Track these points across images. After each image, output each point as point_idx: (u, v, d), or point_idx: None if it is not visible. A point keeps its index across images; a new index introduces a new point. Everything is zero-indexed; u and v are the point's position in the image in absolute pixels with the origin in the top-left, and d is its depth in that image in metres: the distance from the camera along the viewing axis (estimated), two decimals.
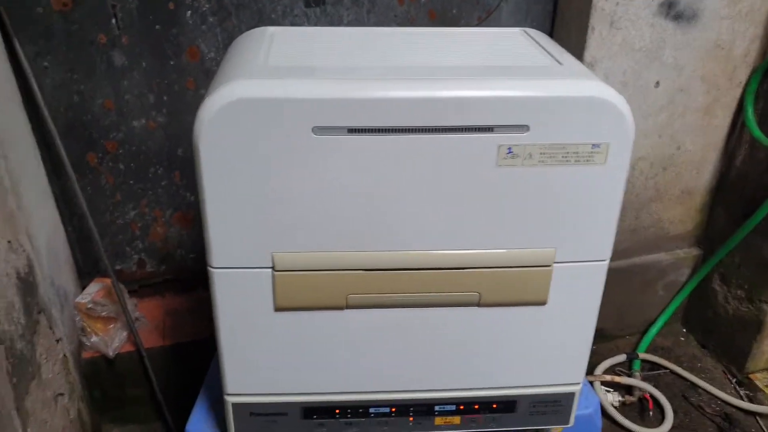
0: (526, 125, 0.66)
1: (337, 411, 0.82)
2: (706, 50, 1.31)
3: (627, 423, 1.38)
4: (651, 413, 1.43)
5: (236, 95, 0.63)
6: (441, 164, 0.68)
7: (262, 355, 0.77)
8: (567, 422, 0.85)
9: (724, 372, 1.57)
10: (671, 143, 1.39)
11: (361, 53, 0.76)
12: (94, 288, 1.26)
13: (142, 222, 1.30)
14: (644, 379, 1.51)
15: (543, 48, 0.78)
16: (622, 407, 1.43)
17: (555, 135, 0.67)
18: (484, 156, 0.67)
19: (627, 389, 1.48)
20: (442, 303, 0.75)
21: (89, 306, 1.20)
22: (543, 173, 0.69)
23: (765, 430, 1.41)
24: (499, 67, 0.71)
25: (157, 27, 1.11)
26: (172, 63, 1.15)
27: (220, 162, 0.66)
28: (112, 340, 1.22)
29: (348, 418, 0.82)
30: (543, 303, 0.76)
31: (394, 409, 0.82)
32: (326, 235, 0.71)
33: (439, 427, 0.84)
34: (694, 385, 1.52)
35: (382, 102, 0.64)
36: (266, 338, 0.76)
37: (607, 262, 0.76)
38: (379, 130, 0.65)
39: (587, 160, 0.69)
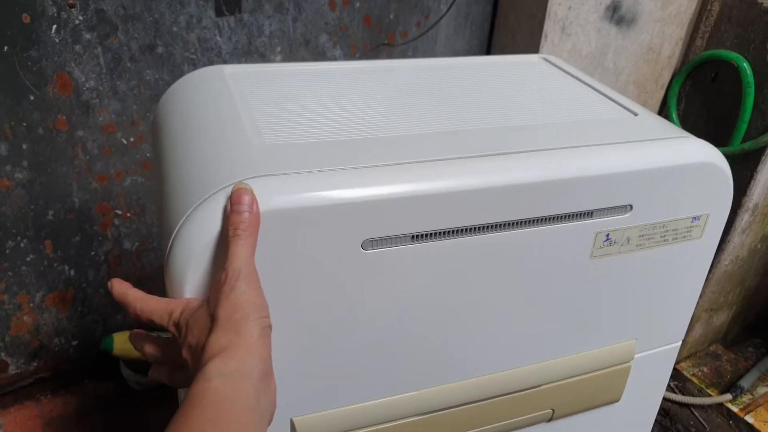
0: (629, 205, 0.50)
1: None
2: (641, 54, 1.26)
3: None
4: None
5: (270, 205, 0.39)
6: (525, 265, 0.50)
7: None
8: None
9: None
10: None
11: (374, 109, 0.54)
12: None
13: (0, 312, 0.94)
14: None
15: (595, 89, 0.63)
16: None
17: (657, 212, 0.52)
18: (578, 248, 0.51)
19: None
20: (509, 429, 0.58)
21: None
22: (635, 259, 0.54)
23: (701, 420, 1.45)
24: (573, 126, 0.54)
25: (5, 49, 0.77)
26: (32, 98, 0.82)
27: None
28: None
29: None
30: (617, 401, 0.62)
31: None
32: (367, 380, 0.49)
33: None
34: None
35: (459, 194, 0.44)
36: None
37: (681, 342, 0.63)
38: (451, 232, 0.45)
39: (684, 237, 0.55)
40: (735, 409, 1.43)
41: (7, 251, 0.90)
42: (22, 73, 0.79)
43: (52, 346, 1.03)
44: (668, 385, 1.53)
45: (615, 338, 0.58)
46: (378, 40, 1.05)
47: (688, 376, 1.54)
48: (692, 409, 1.47)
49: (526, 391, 0.56)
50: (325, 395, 0.48)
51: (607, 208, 0.50)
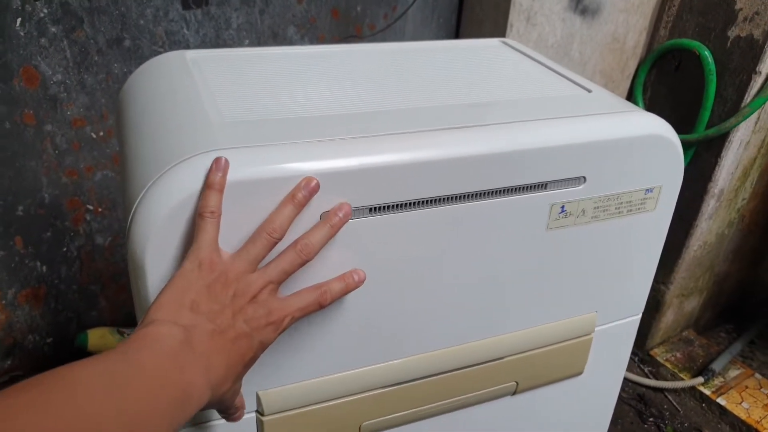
0: (583, 177, 0.52)
1: None
2: (606, 44, 1.29)
3: None
4: None
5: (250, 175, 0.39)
6: (482, 236, 0.51)
7: None
8: None
9: None
10: None
11: (332, 89, 0.55)
12: None
13: None
14: None
15: (550, 68, 0.64)
16: None
17: (611, 184, 0.54)
18: (534, 220, 0.52)
19: None
20: (473, 402, 0.59)
21: None
22: (592, 230, 0.56)
23: (674, 404, 1.48)
24: (529, 102, 0.55)
25: None
26: None
27: None
28: None
29: None
30: (579, 374, 0.64)
31: None
32: (330, 354, 0.50)
33: None
34: None
35: (416, 167, 0.45)
36: None
37: (640, 315, 0.65)
38: (409, 204, 0.47)
39: (638, 209, 0.57)
40: (707, 391, 1.46)
41: None
42: None
43: (26, 344, 1.02)
44: (642, 370, 1.56)
45: (576, 310, 0.60)
46: (346, 32, 1.06)
47: (662, 361, 1.57)
48: (666, 393, 1.50)
49: (489, 363, 0.57)
50: (289, 369, 0.49)
51: (561, 180, 0.51)
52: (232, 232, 0.41)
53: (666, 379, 1.54)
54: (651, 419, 1.43)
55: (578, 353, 0.62)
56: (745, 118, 1.22)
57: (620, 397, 1.48)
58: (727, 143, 1.28)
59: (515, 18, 1.10)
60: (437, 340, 0.54)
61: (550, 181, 0.51)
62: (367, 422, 0.54)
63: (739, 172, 1.37)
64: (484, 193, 0.49)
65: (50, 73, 0.84)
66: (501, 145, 0.48)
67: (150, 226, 0.39)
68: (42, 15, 0.80)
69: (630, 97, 1.42)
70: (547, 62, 0.66)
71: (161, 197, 0.40)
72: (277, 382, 0.49)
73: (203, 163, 0.40)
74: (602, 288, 0.60)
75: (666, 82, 1.35)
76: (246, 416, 0.49)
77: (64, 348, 1.05)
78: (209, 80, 0.53)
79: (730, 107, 1.25)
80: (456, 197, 0.48)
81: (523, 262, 0.54)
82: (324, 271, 0.45)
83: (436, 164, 0.46)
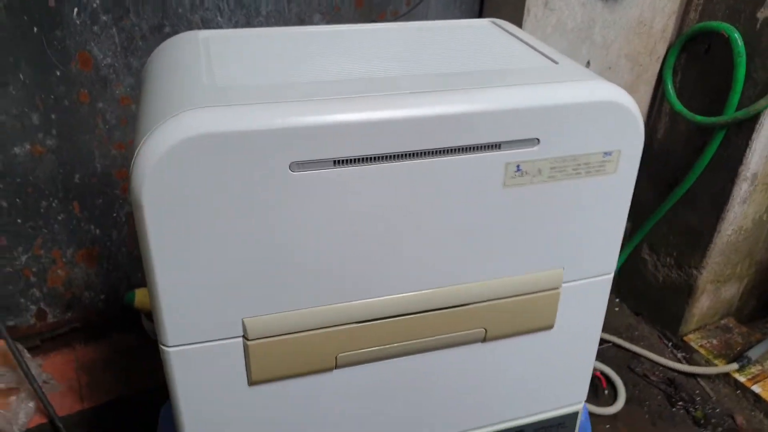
0: (536, 138, 0.57)
1: None
2: (631, 27, 1.30)
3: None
4: (606, 391, 1.44)
5: (194, 131, 0.48)
6: (441, 191, 0.57)
7: None
8: None
9: (660, 337, 1.62)
10: None
11: (323, 62, 0.63)
12: None
13: (38, 266, 1.08)
14: None
15: (527, 44, 0.70)
16: None
17: (566, 146, 0.59)
18: (490, 177, 0.58)
19: None
20: (444, 345, 0.66)
21: None
22: (552, 189, 0.61)
23: (707, 389, 1.47)
24: (494, 72, 0.61)
25: (35, 30, 0.90)
26: (58, 73, 0.94)
27: (170, 217, 0.51)
28: (16, 416, 1.00)
29: None
30: (550, 327, 0.69)
31: None
32: (308, 289, 0.58)
33: None
34: (636, 355, 1.55)
35: (376, 125, 0.52)
36: (241, 418, 0.62)
37: (612, 275, 0.70)
38: (370, 158, 0.54)
39: (598, 171, 0.61)
40: (742, 379, 1.44)
41: (42, 210, 1.04)
42: (49, 52, 0.92)
43: (83, 299, 1.16)
44: (675, 355, 1.56)
45: (541, 265, 0.65)
46: (369, 18, 1.14)
47: (696, 347, 1.56)
48: (698, 379, 1.49)
49: (457, 308, 0.64)
50: (273, 300, 0.57)
51: (514, 141, 0.57)
52: (207, 185, 0.50)
53: (699, 365, 1.52)
54: (680, 403, 1.43)
55: (546, 306, 0.67)
56: None
57: (649, 380, 1.48)
58: (757, 126, 1.27)
59: (533, 3, 1.14)
60: (407, 284, 0.61)
61: (504, 142, 0.57)
62: (342, 354, 0.62)
63: None
64: (441, 151, 0.55)
65: (101, 56, 0.96)
66: (456, 107, 0.54)
67: (144, 171, 0.48)
68: (95, 5, 0.92)
69: (659, 80, 1.42)
70: (529, 39, 0.71)
71: (153, 147, 0.48)
72: (261, 311, 0.58)
73: (188, 118, 0.49)
74: (568, 245, 0.65)
75: (696, 65, 1.35)
76: (233, 341, 0.58)
77: (116, 304, 1.19)
78: (212, 53, 0.62)
79: (761, 89, 1.23)
80: (415, 154, 0.55)
81: (485, 216, 0.60)
82: (299, 217, 0.53)
83: (396, 123, 0.53)
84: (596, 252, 0.67)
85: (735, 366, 1.46)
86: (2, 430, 0.99)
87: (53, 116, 0.97)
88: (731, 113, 1.27)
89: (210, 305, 0.56)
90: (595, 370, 1.45)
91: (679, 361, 1.54)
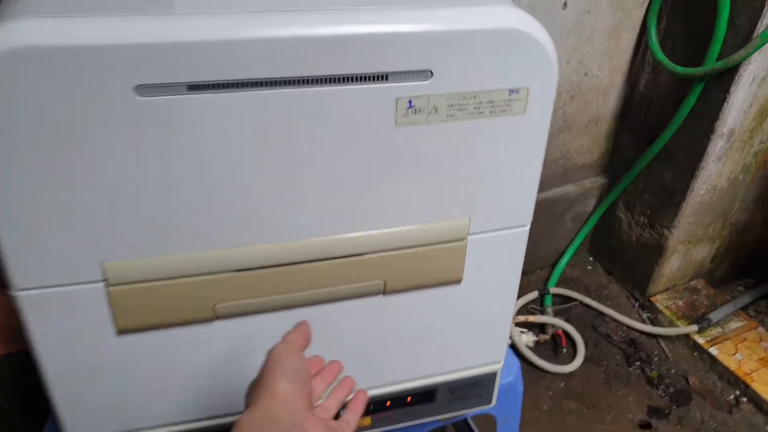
0: (428, 70, 0.51)
1: None
2: None
3: (541, 363, 1.35)
4: (564, 350, 1.41)
5: (22, 41, 0.42)
6: (325, 127, 0.51)
7: (107, 390, 0.59)
8: (489, 402, 0.76)
9: (628, 297, 1.58)
10: (579, 69, 1.30)
11: None
12: None
13: None
14: (556, 314, 1.48)
15: None
16: (537, 346, 1.40)
17: (464, 81, 0.52)
18: (380, 113, 0.52)
19: (541, 327, 1.44)
20: (339, 297, 0.61)
21: None
22: (452, 130, 0.55)
23: (666, 350, 1.44)
24: None
25: None
26: None
27: (5, 143, 0.46)
28: None
29: None
30: (458, 281, 0.64)
31: None
32: (175, 231, 0.53)
33: None
34: (602, 314, 1.52)
35: (238, 45, 0.46)
36: (110, 370, 0.58)
37: (528, 228, 0.64)
38: (233, 84, 0.48)
39: (504, 110, 0.55)
40: (701, 340, 1.41)
41: None
42: None
43: None
44: (640, 315, 1.52)
45: (444, 214, 0.59)
46: None
47: (661, 308, 1.52)
48: (659, 340, 1.46)
49: (350, 258, 0.59)
50: (134, 243, 0.53)
51: (404, 72, 0.50)
52: (38, 105, 0.44)
53: (662, 326, 1.49)
54: (637, 363, 1.40)
55: (451, 259, 0.62)
56: (755, 50, 1.12)
57: (611, 340, 1.45)
58: (736, 78, 1.18)
59: None
60: (292, 229, 0.56)
61: (391, 72, 0.50)
62: (221, 304, 0.57)
63: (753, 111, 1.27)
64: (319, 80, 0.49)
65: None
66: (332, 28, 0.48)
67: None
68: None
69: (644, 27, 1.33)
70: None
71: None
72: (123, 255, 0.53)
73: (12, 27, 0.43)
74: (474, 194, 0.59)
75: (681, 11, 1.25)
76: (93, 286, 0.53)
77: None
78: None
79: (743, 38, 1.14)
80: (288, 81, 0.48)
81: (376, 157, 0.54)
82: (150, 149, 0.48)
83: (263, 43, 0.46)
84: (508, 202, 0.61)
85: (695, 328, 1.42)
86: None
87: None
88: (711, 63, 1.18)
89: (61, 244, 0.51)
90: (556, 328, 1.42)
91: (643, 321, 1.51)
